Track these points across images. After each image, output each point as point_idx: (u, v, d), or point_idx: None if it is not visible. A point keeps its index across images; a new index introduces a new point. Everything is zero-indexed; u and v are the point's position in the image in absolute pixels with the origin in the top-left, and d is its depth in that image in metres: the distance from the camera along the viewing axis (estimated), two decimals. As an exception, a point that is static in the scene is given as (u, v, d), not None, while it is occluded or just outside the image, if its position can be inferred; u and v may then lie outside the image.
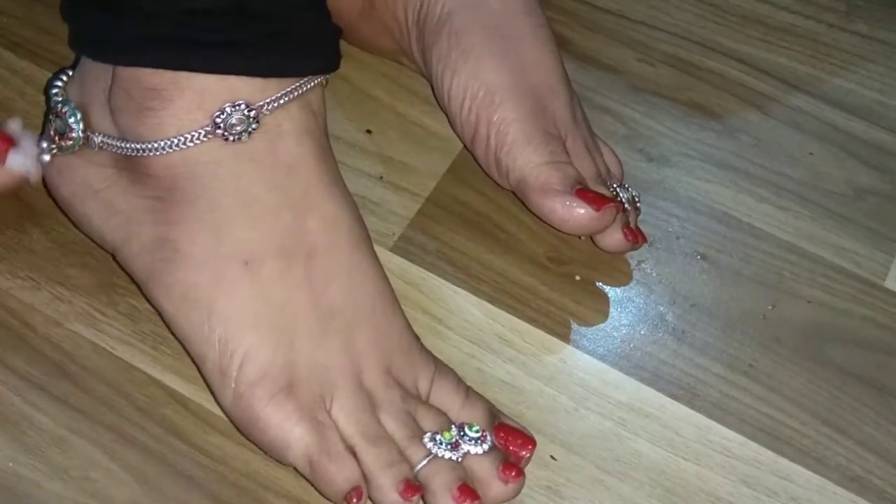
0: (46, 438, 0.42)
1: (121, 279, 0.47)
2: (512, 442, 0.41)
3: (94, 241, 0.44)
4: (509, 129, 0.47)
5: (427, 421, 0.41)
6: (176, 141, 0.39)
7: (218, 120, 0.39)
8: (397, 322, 0.43)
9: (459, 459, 0.40)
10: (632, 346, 0.47)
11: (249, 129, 0.39)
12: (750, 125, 0.56)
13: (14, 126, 0.44)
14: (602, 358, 0.47)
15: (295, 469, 0.41)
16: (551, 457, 0.44)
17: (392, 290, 0.43)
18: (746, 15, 0.60)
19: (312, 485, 0.40)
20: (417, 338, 0.44)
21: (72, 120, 0.41)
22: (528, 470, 0.43)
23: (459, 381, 0.43)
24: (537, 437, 0.43)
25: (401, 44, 0.53)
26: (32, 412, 0.43)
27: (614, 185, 0.49)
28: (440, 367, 0.43)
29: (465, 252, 0.50)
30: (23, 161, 0.44)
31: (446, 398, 0.42)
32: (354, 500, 0.39)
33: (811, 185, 0.53)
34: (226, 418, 0.43)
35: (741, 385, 0.46)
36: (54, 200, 0.45)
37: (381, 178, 0.52)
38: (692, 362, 0.47)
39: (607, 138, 0.53)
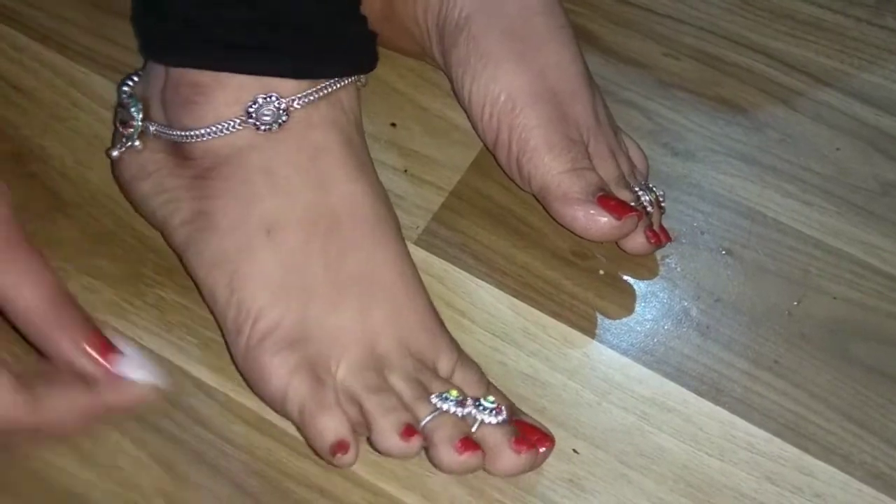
0: (75, 426, 0.43)
1: (149, 270, 0.47)
2: (530, 438, 0.41)
3: (148, 221, 0.47)
4: (530, 136, 0.47)
5: (438, 388, 0.41)
6: (214, 129, 0.43)
7: (250, 110, 0.42)
8: (419, 301, 0.43)
9: (465, 416, 0.40)
10: (655, 340, 0.47)
11: (279, 121, 0.43)
12: (777, 120, 0.55)
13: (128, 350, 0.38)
14: (625, 352, 0.47)
15: (317, 458, 0.41)
16: (574, 450, 0.44)
17: (416, 273, 0.44)
18: (774, 9, 0.60)
19: (305, 439, 0.41)
20: (442, 323, 0.44)
21: (133, 110, 0.45)
22: (550, 463, 0.43)
23: (482, 376, 0.43)
24: (560, 431, 0.43)
25: (422, 47, 0.53)
26: (61, 400, 0.43)
27: (637, 188, 0.49)
28: (464, 357, 0.44)
29: (488, 245, 0.50)
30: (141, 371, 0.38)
31: (467, 388, 0.42)
32: (338, 454, 0.39)
33: (838, 181, 0.53)
34: (251, 407, 0.43)
35: (766, 381, 0.46)
36: (119, 186, 0.47)
37: (406, 171, 0.52)
38: (716, 357, 0.47)
39: (632, 133, 0.53)
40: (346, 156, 0.44)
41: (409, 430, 0.39)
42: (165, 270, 0.47)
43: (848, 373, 0.46)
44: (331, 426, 0.40)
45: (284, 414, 0.41)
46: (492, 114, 0.48)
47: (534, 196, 0.49)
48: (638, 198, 0.48)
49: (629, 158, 0.50)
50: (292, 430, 0.43)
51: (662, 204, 0.50)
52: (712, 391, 0.46)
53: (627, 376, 0.46)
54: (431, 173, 0.52)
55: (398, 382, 0.41)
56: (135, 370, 0.36)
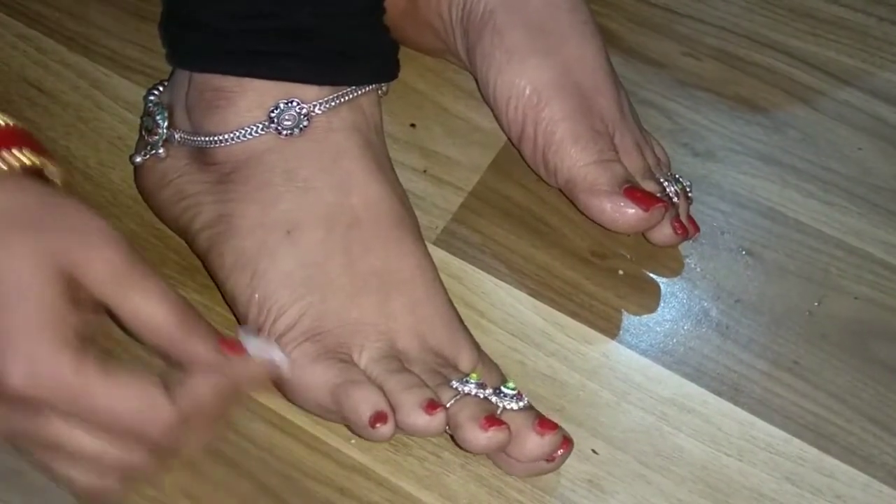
0: (98, 424, 0.43)
1: (171, 270, 0.48)
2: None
3: (170, 227, 0.47)
4: (556, 129, 0.47)
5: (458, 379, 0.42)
6: (237, 134, 0.43)
7: (272, 115, 0.43)
8: (438, 298, 0.43)
9: (488, 397, 0.41)
10: (675, 341, 0.47)
11: (301, 126, 0.43)
12: (797, 120, 0.55)
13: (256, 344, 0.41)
14: (644, 353, 0.47)
15: (337, 457, 0.41)
16: (593, 451, 0.44)
17: (435, 271, 0.44)
18: (795, 8, 0.60)
19: (342, 418, 0.40)
20: (462, 322, 0.44)
21: (159, 118, 0.46)
22: (569, 463, 0.43)
23: (503, 377, 0.44)
24: (579, 431, 0.43)
25: (446, 42, 0.53)
26: (85, 399, 0.44)
27: (663, 180, 0.49)
28: (485, 358, 0.44)
29: (507, 246, 0.50)
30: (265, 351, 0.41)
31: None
32: (378, 425, 0.39)
33: (859, 181, 0.53)
34: (271, 407, 0.44)
35: (786, 381, 0.46)
36: (141, 193, 0.48)
37: (425, 171, 0.52)
38: (736, 358, 0.47)
39: (653, 132, 0.52)
40: (365, 158, 0.44)
41: (433, 405, 0.39)
42: (187, 270, 0.47)
43: (869, 373, 0.46)
44: (367, 398, 0.40)
45: (313, 404, 0.41)
46: (517, 107, 0.49)
47: (560, 189, 0.49)
48: (664, 189, 0.48)
49: (654, 152, 0.50)
50: (313, 429, 0.44)
51: (690, 195, 0.50)
52: (732, 391, 0.46)
53: (647, 376, 0.46)
54: (451, 174, 0.52)
55: (420, 373, 0.41)
56: (266, 352, 0.40)
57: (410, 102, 0.55)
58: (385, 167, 0.45)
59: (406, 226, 0.44)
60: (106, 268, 0.36)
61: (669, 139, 0.53)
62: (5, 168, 0.37)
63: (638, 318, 0.48)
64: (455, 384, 0.41)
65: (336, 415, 0.41)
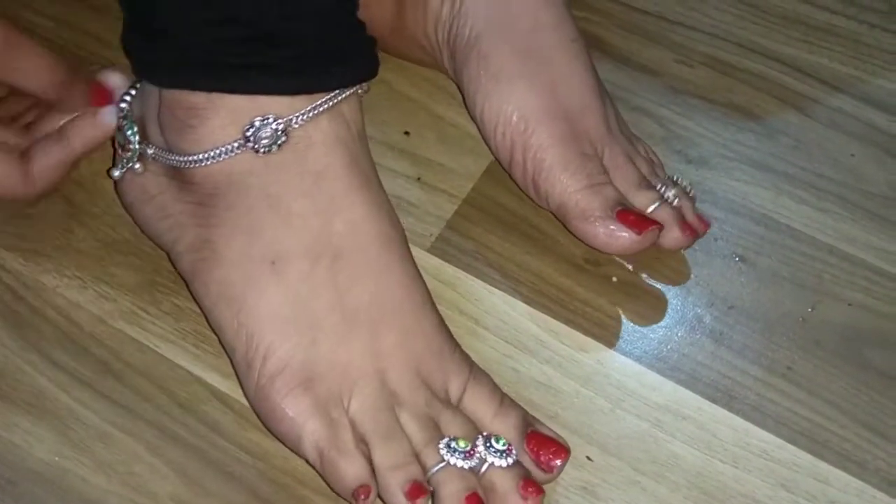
0: (91, 433, 0.43)
1: (164, 278, 0.48)
2: (544, 451, 0.41)
3: (154, 242, 0.46)
4: (545, 155, 0.47)
5: (452, 427, 0.41)
6: (212, 154, 0.42)
7: (248, 133, 0.41)
8: (427, 323, 0.43)
9: (473, 468, 0.40)
10: (669, 347, 0.47)
11: (279, 142, 0.41)
12: (790, 126, 0.55)
13: (115, 79, 0.47)
14: (639, 359, 0.47)
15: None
16: (587, 458, 0.44)
17: (425, 292, 0.44)
18: (787, 15, 0.60)
19: (324, 480, 0.41)
20: (453, 340, 0.44)
21: (129, 133, 0.45)
22: (563, 471, 0.43)
23: (495, 388, 0.43)
24: (573, 438, 0.43)
25: (434, 59, 0.53)
26: (78, 408, 0.44)
27: (661, 186, 0.49)
28: (475, 373, 0.43)
29: (501, 253, 0.50)
30: (115, 118, 0.47)
31: (479, 405, 0.42)
32: (362, 498, 0.39)
33: (852, 187, 0.53)
34: (265, 416, 0.43)
35: (780, 388, 0.46)
36: (124, 207, 0.47)
37: (419, 179, 0.52)
38: (730, 364, 0.47)
39: (645, 139, 0.53)
40: (350, 175, 0.42)
41: (415, 491, 0.39)
42: (180, 279, 0.47)
43: (863, 379, 0.46)
44: (351, 472, 0.40)
45: (299, 453, 0.41)
46: (504, 134, 0.49)
47: (552, 214, 0.49)
48: (662, 196, 0.48)
49: (648, 159, 0.50)
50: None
51: (691, 193, 0.50)
52: (726, 398, 0.46)
53: (641, 383, 0.46)
54: (444, 181, 0.52)
55: (410, 424, 0.41)
56: (109, 116, 0.47)
57: (404, 110, 0.55)
58: (370, 180, 0.44)
59: (393, 248, 0.43)
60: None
61: (662, 146, 0.54)
62: None
63: (632, 324, 0.48)
64: (443, 451, 0.40)
65: (318, 471, 0.41)
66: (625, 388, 0.46)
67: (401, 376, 0.41)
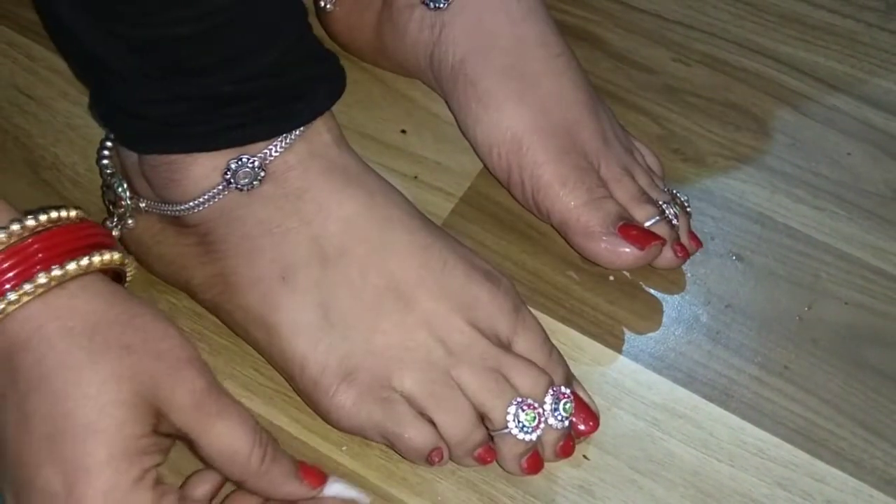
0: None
1: (171, 296, 0.47)
2: (578, 414, 0.43)
3: (172, 286, 0.46)
4: (542, 173, 0.47)
5: (514, 375, 0.42)
6: (200, 200, 0.43)
7: (227, 176, 0.42)
8: (457, 275, 0.43)
9: (531, 440, 0.42)
10: (666, 346, 0.47)
11: (258, 178, 0.42)
12: (787, 125, 0.55)
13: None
14: (635, 358, 0.47)
15: (330, 463, 0.41)
16: (584, 456, 0.44)
17: (444, 247, 0.43)
18: (784, 14, 0.60)
19: (402, 456, 0.42)
20: (491, 279, 0.43)
21: (119, 190, 0.45)
22: (560, 469, 0.43)
23: (545, 339, 0.44)
24: (570, 437, 0.43)
25: (422, 80, 0.53)
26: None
27: (661, 201, 0.48)
28: (522, 316, 0.44)
29: (498, 251, 0.50)
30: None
31: (531, 354, 0.43)
32: (437, 460, 0.41)
33: (849, 186, 0.53)
34: (261, 413, 0.43)
35: (776, 386, 0.46)
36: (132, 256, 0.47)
37: (416, 177, 0.52)
38: (726, 363, 0.47)
39: (643, 138, 0.53)
40: (330, 181, 0.43)
41: (484, 455, 0.42)
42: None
43: (859, 378, 0.46)
44: (418, 439, 0.41)
45: (376, 442, 0.43)
46: (500, 154, 0.48)
47: (555, 229, 0.49)
48: (663, 212, 0.48)
49: (647, 169, 0.50)
50: (304, 435, 0.43)
51: (688, 210, 0.50)
52: (723, 397, 0.46)
53: (638, 382, 0.46)
54: (441, 179, 0.52)
55: (470, 382, 0.42)
56: (344, 491, 0.41)
57: (401, 109, 0.55)
58: (354, 175, 0.44)
59: (395, 227, 0.43)
60: (189, 398, 0.36)
61: (659, 145, 0.54)
62: (83, 266, 0.36)
63: (629, 323, 0.48)
64: (510, 421, 0.41)
65: (396, 451, 0.42)
66: (621, 387, 0.46)
67: (448, 335, 0.42)
